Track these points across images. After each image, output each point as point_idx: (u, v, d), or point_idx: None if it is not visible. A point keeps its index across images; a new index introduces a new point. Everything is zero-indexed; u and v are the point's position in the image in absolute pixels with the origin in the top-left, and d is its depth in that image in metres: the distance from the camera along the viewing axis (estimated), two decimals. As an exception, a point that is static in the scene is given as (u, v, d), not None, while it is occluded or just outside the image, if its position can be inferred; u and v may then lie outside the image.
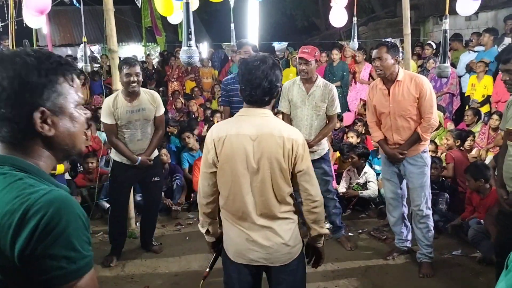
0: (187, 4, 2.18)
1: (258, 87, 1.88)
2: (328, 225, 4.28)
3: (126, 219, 4.09)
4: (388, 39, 8.70)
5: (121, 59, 3.79)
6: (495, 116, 5.18)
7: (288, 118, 3.96)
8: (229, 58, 9.59)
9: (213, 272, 2.22)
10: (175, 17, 5.38)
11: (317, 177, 3.91)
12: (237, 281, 2.06)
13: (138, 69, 3.52)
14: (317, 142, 3.86)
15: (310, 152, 3.85)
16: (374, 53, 3.41)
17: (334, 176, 4.88)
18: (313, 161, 3.92)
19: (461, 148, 5.08)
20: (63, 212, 0.91)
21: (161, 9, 5.28)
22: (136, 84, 3.51)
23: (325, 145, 4.01)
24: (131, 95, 3.58)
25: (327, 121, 3.91)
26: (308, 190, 1.97)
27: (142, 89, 3.69)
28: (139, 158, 3.66)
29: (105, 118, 3.61)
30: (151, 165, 3.78)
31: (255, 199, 1.92)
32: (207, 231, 2.14)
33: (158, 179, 3.92)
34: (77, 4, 4.95)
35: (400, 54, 3.54)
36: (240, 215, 1.97)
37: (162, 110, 3.77)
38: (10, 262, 0.89)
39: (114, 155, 3.76)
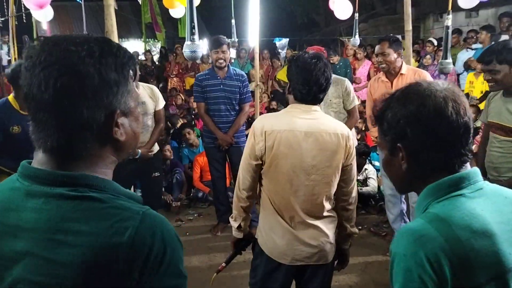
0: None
1: (315, 84, 1.87)
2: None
3: None
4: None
5: None
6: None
7: None
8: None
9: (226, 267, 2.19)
10: (178, 10, 5.35)
11: None
12: (274, 282, 2.01)
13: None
14: None
15: None
16: (376, 48, 3.41)
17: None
18: None
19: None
20: (166, 239, 0.82)
21: (166, 1, 5.27)
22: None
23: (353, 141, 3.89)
24: None
25: (348, 116, 3.76)
26: (347, 186, 1.98)
27: (140, 84, 3.68)
28: (139, 151, 3.64)
29: None
30: (152, 160, 3.76)
31: (305, 197, 1.90)
32: (239, 226, 2.07)
33: (158, 174, 3.91)
34: (79, 0, 4.94)
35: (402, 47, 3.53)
36: (287, 213, 1.93)
37: (162, 104, 3.75)
38: None
39: None
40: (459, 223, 0.94)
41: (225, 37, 4.15)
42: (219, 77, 3.95)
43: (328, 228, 1.98)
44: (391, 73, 3.39)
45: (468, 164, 1.05)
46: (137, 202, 0.87)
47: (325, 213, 1.97)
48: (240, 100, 4.06)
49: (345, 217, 2.04)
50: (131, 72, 0.88)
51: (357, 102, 3.79)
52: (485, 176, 2.76)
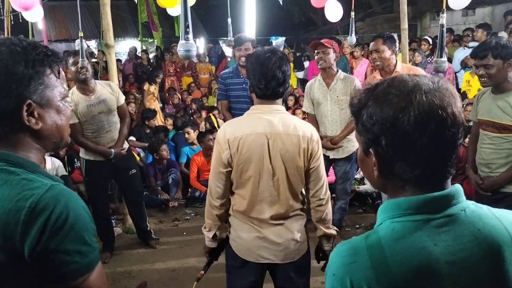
0: (185, -2, 2.18)
1: (273, 79, 1.85)
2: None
3: (109, 214, 4.02)
4: (385, 34, 8.71)
5: (64, 53, 3.68)
6: (468, 108, 5.20)
7: (313, 119, 3.85)
8: (225, 53, 9.55)
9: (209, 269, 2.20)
10: (175, 9, 5.33)
11: (336, 175, 3.80)
12: (241, 279, 2.05)
13: (82, 56, 3.43)
14: (342, 138, 3.70)
15: (337, 150, 3.76)
16: (371, 45, 3.41)
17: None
18: (338, 160, 3.85)
19: (464, 143, 5.06)
20: (70, 207, 0.91)
21: (163, 1, 5.25)
22: (85, 69, 3.40)
23: (354, 143, 3.78)
24: (86, 86, 3.48)
25: None
26: (316, 188, 1.96)
27: (98, 81, 3.64)
28: (113, 150, 3.59)
29: None
30: (124, 159, 3.71)
31: (271, 198, 1.92)
32: (215, 235, 2.05)
33: (135, 171, 3.86)
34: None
35: (397, 45, 3.52)
36: (254, 213, 1.95)
37: (122, 98, 3.72)
38: (20, 259, 0.88)
39: (84, 154, 3.64)
40: (397, 257, 0.84)
41: (248, 35, 4.10)
42: (242, 76, 3.81)
43: (293, 226, 1.98)
44: (386, 71, 3.38)
45: (449, 181, 0.91)
46: (55, 181, 0.97)
47: (292, 212, 1.97)
48: None
49: (317, 218, 2.03)
50: (53, 69, 1.01)
51: None
52: (476, 172, 2.83)
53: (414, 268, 0.83)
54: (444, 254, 0.84)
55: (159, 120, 6.68)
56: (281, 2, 5.87)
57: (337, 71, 3.72)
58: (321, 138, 3.77)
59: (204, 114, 6.74)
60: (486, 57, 2.55)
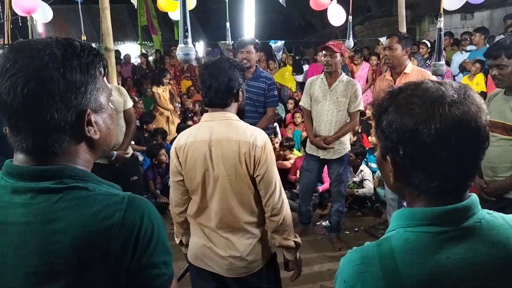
0: (184, 1, 2.18)
1: (209, 89, 1.87)
2: (325, 223, 4.30)
3: None
4: (384, 38, 8.74)
5: None
6: None
7: (308, 114, 3.91)
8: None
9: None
10: (176, 13, 5.34)
11: (331, 178, 3.80)
12: (193, 281, 2.07)
13: None
14: (335, 139, 3.73)
15: (328, 150, 3.79)
16: (385, 42, 3.40)
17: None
18: (331, 161, 3.90)
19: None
20: (152, 218, 0.87)
21: (164, 5, 5.26)
22: None
23: (346, 145, 3.88)
24: None
25: (349, 119, 3.78)
26: (266, 196, 1.87)
27: (108, 84, 3.69)
28: (115, 152, 3.58)
29: None
30: (127, 164, 3.71)
31: (218, 206, 1.89)
32: (181, 242, 2.12)
33: (137, 178, 3.86)
34: (78, 0, 4.94)
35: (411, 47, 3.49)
36: (204, 220, 1.95)
37: (130, 103, 3.75)
38: (114, 280, 0.83)
39: None
40: (409, 268, 0.83)
41: (250, 38, 4.12)
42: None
43: (241, 244, 1.92)
44: (396, 71, 3.37)
45: (466, 192, 0.89)
46: (118, 190, 0.91)
47: (241, 225, 1.91)
48: (265, 103, 3.92)
49: (271, 228, 1.94)
50: (100, 69, 0.91)
51: (361, 108, 3.80)
52: (481, 176, 2.75)
53: (426, 281, 0.81)
54: (457, 268, 0.82)
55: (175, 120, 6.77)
56: (284, 4, 5.88)
57: (341, 73, 3.77)
58: (315, 136, 3.81)
59: None
60: (500, 57, 2.48)
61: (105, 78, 0.95)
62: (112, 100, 0.98)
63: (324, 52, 3.72)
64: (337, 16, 6.27)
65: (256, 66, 3.97)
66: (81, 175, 0.87)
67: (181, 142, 1.91)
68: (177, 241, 2.13)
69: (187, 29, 2.20)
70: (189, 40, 2.19)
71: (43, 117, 0.82)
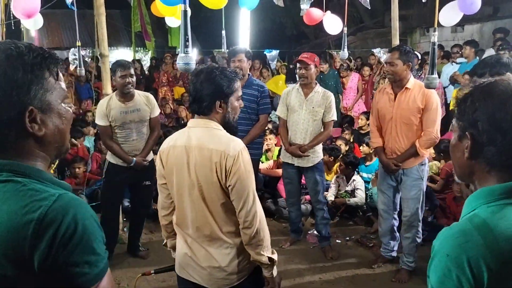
0: (185, 12, 2.20)
1: (192, 95, 1.91)
2: (316, 232, 4.31)
3: (118, 223, 4.06)
4: (377, 49, 8.84)
5: (115, 61, 3.82)
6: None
7: (284, 124, 4.01)
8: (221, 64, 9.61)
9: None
10: (173, 20, 5.35)
11: (308, 187, 3.85)
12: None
13: (132, 70, 3.62)
14: (311, 147, 3.85)
15: (303, 158, 3.88)
16: (386, 56, 3.42)
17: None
18: (305, 169, 3.99)
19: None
20: (78, 217, 0.89)
21: (161, 10, 5.24)
22: (131, 85, 3.57)
23: (319, 153, 4.02)
24: (126, 96, 3.63)
25: (323, 128, 3.92)
26: (238, 207, 1.83)
27: (136, 91, 3.75)
28: (134, 159, 3.66)
29: (99, 120, 3.65)
30: (145, 168, 3.77)
31: (194, 214, 1.89)
32: (165, 244, 2.19)
33: (149, 183, 3.90)
34: (73, 7, 4.92)
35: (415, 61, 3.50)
36: (184, 227, 1.96)
37: (157, 111, 3.81)
38: (30, 272, 0.86)
39: (109, 156, 3.79)
40: (504, 234, 0.95)
41: (242, 47, 4.22)
42: None
43: (220, 254, 1.90)
44: (397, 85, 3.35)
45: None
46: (63, 189, 0.95)
47: (218, 235, 1.89)
48: (257, 111, 3.98)
49: (244, 241, 1.88)
50: (51, 71, 0.97)
51: (335, 118, 3.98)
52: (468, 186, 2.83)
53: None
54: None
55: None
56: (281, 4, 5.92)
57: (316, 84, 3.93)
58: (290, 144, 3.89)
59: None
60: (485, 75, 2.52)
61: (61, 82, 1.01)
62: (67, 103, 1.03)
63: (298, 65, 3.83)
64: (333, 25, 6.34)
65: (249, 74, 4.06)
66: (23, 171, 0.92)
67: (164, 146, 1.95)
68: (163, 243, 2.20)
69: (188, 38, 2.22)
70: (190, 49, 2.21)
71: None
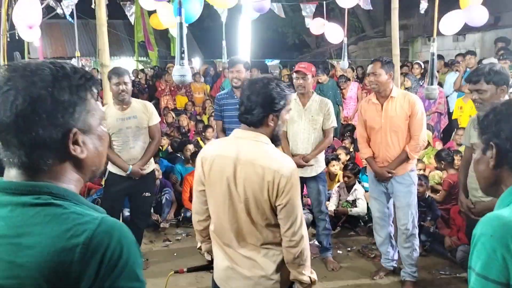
0: (181, 24, 2.21)
1: (242, 105, 1.87)
2: (317, 242, 4.27)
3: None
4: (379, 58, 8.84)
5: (111, 69, 3.80)
6: (460, 132, 5.27)
7: (284, 135, 3.95)
8: (221, 73, 9.67)
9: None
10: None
11: (311, 197, 3.81)
12: None
13: (126, 78, 3.59)
14: (314, 156, 3.83)
15: (307, 167, 3.84)
16: (368, 68, 3.46)
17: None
18: (308, 179, 3.95)
19: (455, 167, 5.10)
20: (124, 242, 0.87)
21: (156, 24, 5.29)
22: (125, 92, 3.56)
23: (321, 163, 4.00)
24: (122, 103, 3.62)
25: (324, 136, 3.91)
26: (285, 226, 1.81)
27: (134, 99, 3.74)
28: (130, 166, 3.63)
29: None
30: (145, 179, 3.74)
31: (237, 225, 1.86)
32: (200, 248, 2.16)
33: (149, 194, 3.88)
34: (71, 20, 4.96)
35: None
36: (224, 239, 1.92)
37: (156, 119, 3.79)
38: None
39: (110, 166, 3.78)
40: None
41: (241, 58, 4.23)
42: (236, 97, 3.93)
43: (266, 262, 1.87)
44: (382, 95, 3.42)
45: None
46: (99, 212, 0.93)
47: (263, 247, 1.87)
48: None
49: (287, 260, 1.86)
50: (92, 93, 0.96)
51: (334, 125, 3.97)
52: (467, 197, 2.86)
53: None
54: None
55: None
56: (282, 15, 5.98)
57: (313, 93, 3.94)
58: (292, 155, 3.86)
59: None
60: (479, 82, 2.62)
61: (99, 103, 0.99)
62: (104, 124, 1.02)
63: (296, 75, 3.84)
64: (335, 34, 6.37)
65: None
66: (61, 193, 0.90)
67: (208, 153, 1.91)
68: (198, 246, 2.18)
69: (183, 50, 2.23)
70: (185, 61, 2.21)
71: (29, 133, 0.86)
